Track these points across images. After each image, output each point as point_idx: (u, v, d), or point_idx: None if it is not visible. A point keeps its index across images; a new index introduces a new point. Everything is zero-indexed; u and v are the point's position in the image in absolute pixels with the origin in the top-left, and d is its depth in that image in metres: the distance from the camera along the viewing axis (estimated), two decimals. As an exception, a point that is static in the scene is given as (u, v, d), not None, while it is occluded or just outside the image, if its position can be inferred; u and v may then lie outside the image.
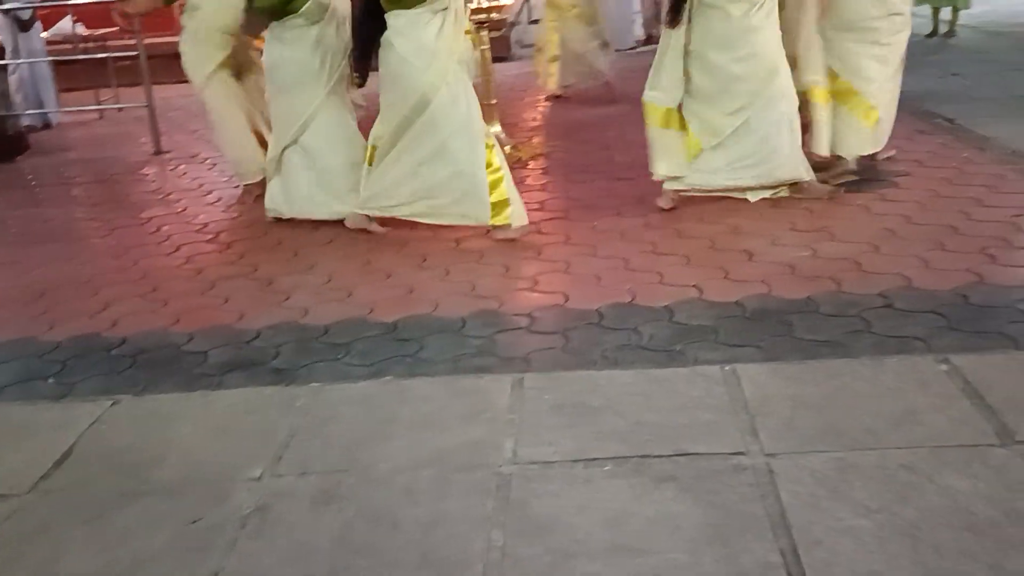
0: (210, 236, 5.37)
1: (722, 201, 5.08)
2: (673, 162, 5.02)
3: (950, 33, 10.38)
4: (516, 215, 4.78)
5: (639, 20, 11.75)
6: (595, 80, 8.26)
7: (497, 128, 6.65)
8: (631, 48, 10.89)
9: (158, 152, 7.60)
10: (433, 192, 4.78)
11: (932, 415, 2.81)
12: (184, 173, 6.87)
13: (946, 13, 10.45)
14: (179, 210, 5.95)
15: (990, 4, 12.17)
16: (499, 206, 4.72)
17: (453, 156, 4.68)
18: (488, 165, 4.69)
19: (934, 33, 10.39)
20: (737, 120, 4.84)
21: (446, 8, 4.62)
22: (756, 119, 4.82)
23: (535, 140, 7.11)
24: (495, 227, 4.79)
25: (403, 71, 4.65)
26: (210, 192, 6.29)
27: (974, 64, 8.57)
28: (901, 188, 5.09)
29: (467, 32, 4.85)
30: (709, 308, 3.79)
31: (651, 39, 11.42)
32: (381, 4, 4.65)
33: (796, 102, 4.89)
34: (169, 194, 6.33)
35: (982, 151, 5.63)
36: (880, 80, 5.16)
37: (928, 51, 9.39)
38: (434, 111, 4.64)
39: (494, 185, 4.70)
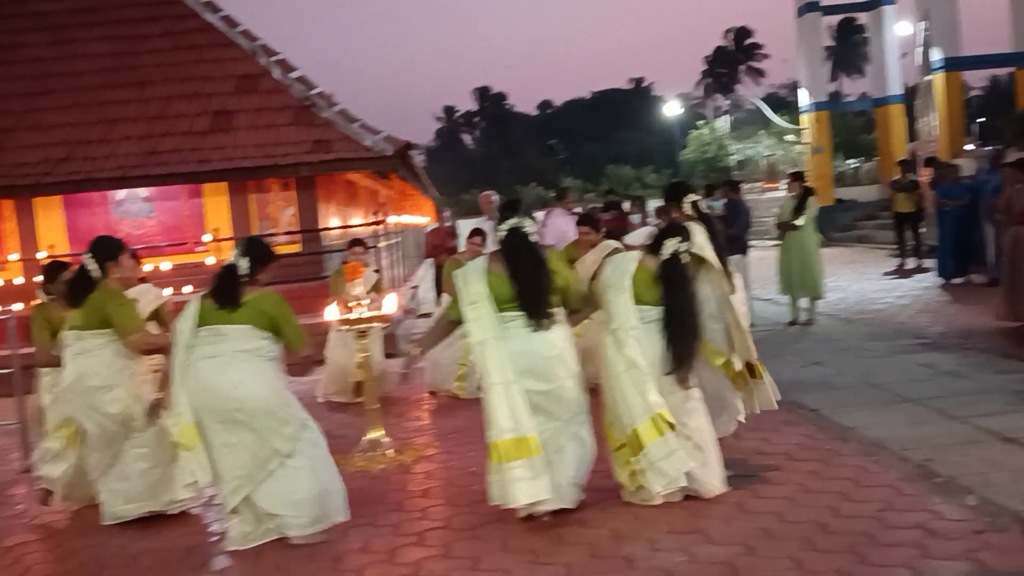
0: (75, 565, 5.09)
1: (603, 502, 5.13)
2: None
3: (809, 322, 11.09)
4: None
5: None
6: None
7: (379, 433, 6.69)
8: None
9: (27, 471, 7.30)
10: None
11: None
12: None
13: (804, 302, 11.22)
14: (42, 536, 5.66)
15: (842, 292, 13.17)
16: None
17: None
18: None
19: (794, 322, 11.08)
20: None
21: None
22: None
23: (419, 441, 7.10)
24: None
25: None
26: (78, 512, 6.01)
27: (832, 352, 9.11)
28: (772, 484, 5.24)
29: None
30: (590, 625, 3.73)
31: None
32: None
33: None
34: (35, 517, 6.03)
35: (844, 442, 5.89)
36: None
37: (790, 340, 9.98)
38: None
39: None
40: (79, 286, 5.53)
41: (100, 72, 14.18)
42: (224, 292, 5.02)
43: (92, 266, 5.51)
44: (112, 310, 5.41)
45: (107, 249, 5.60)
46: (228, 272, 5.05)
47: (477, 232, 9.10)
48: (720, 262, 5.63)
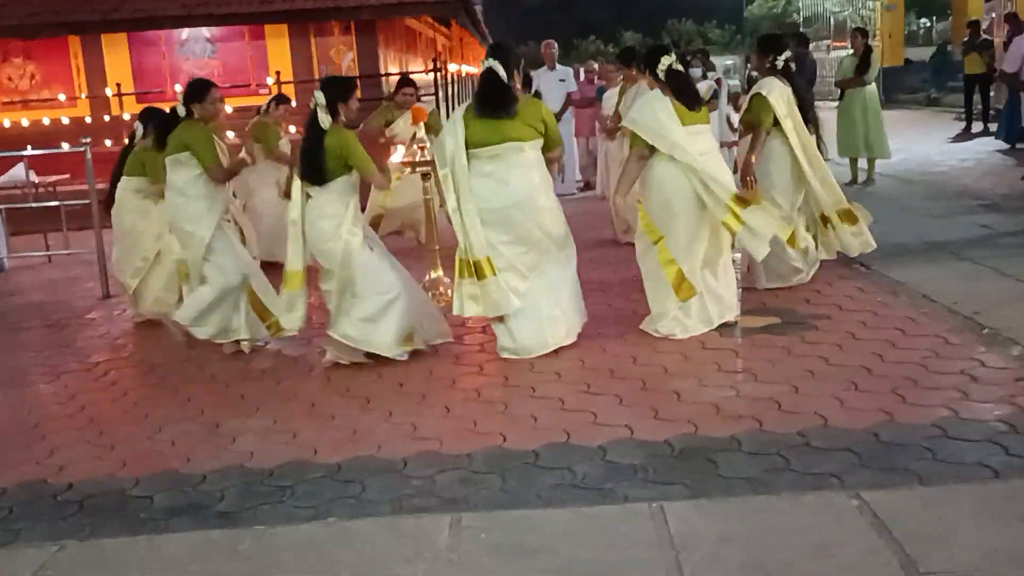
0: (157, 380, 5.48)
1: (655, 343, 5.36)
2: None
3: (868, 182, 11.02)
4: None
5: (577, 167, 12.32)
6: None
7: (439, 273, 6.92)
8: (571, 194, 11.37)
9: (106, 296, 7.72)
10: None
11: (845, 548, 3.00)
12: (131, 317, 6.96)
13: (863, 162, 11.12)
14: (126, 354, 6.05)
15: (904, 152, 12.97)
16: None
17: None
18: None
19: (853, 182, 11.01)
20: None
21: None
22: None
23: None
24: None
25: None
26: (157, 335, 6.40)
27: (890, 212, 9.06)
28: (821, 331, 5.40)
29: None
30: (639, 447, 3.99)
31: (588, 186, 11.96)
32: None
33: None
34: (116, 339, 6.44)
35: (895, 295, 6.01)
36: None
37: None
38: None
39: None
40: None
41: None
42: None
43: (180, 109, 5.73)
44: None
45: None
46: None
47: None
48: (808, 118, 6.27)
